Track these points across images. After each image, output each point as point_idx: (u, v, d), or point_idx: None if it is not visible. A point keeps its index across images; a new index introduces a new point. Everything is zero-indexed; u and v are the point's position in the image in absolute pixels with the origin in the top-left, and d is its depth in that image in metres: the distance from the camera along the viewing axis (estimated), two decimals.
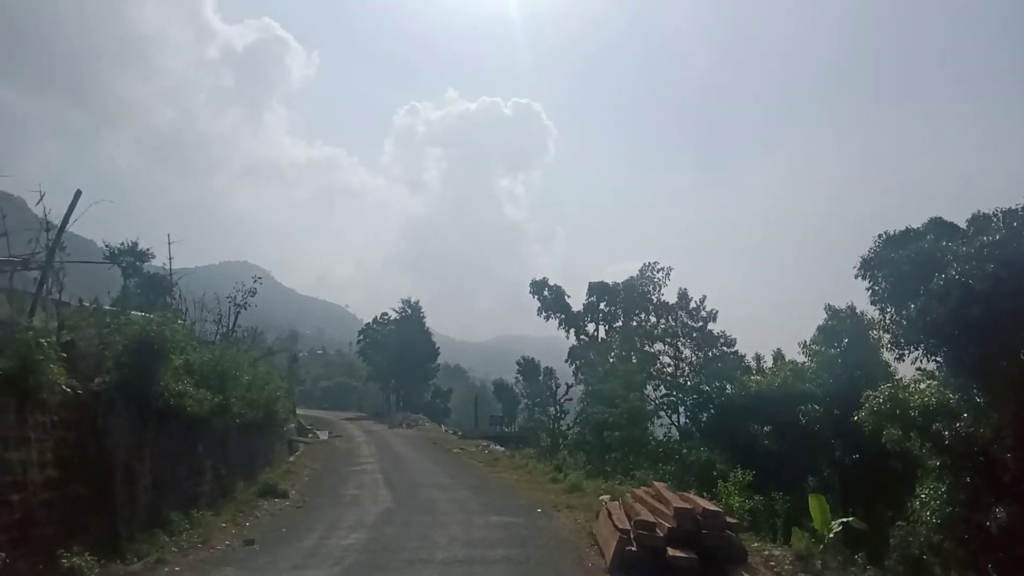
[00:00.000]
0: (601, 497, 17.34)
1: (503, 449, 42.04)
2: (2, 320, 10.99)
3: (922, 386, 19.59)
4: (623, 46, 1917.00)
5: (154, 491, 13.72)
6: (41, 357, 10.10)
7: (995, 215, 18.21)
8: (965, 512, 16.73)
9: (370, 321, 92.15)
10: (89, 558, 10.23)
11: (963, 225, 19.83)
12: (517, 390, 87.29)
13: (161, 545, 12.65)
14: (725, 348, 54.61)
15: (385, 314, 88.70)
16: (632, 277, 65.67)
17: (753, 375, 47.51)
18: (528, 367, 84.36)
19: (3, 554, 8.81)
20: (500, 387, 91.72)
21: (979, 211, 19.14)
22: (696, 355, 55.16)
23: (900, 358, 20.31)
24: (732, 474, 23.29)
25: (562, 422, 68.71)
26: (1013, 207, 17.48)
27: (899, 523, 20.79)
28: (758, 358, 53.56)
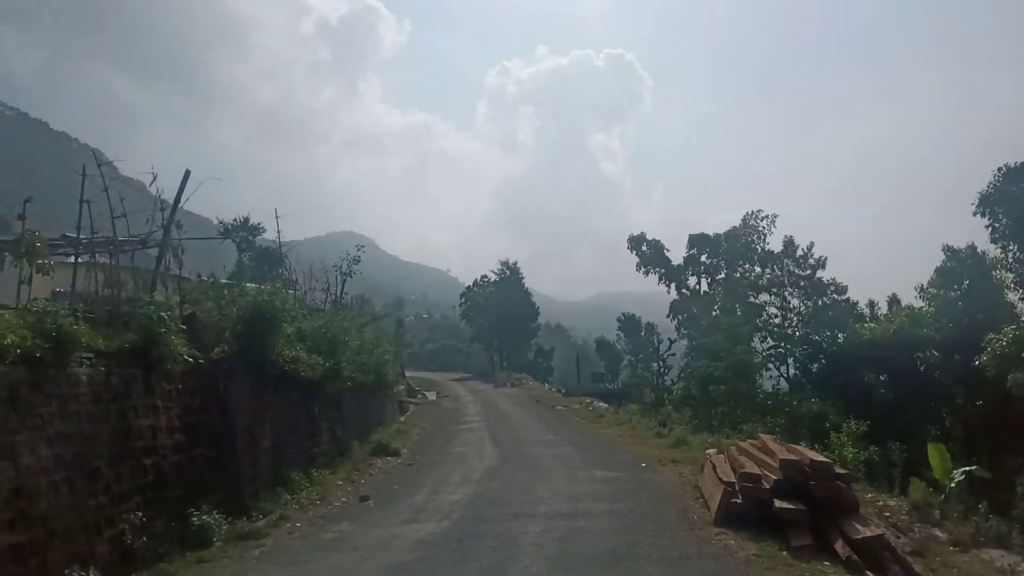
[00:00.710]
0: (707, 451, 17.16)
1: (606, 406, 42.10)
2: (127, 297, 11.77)
3: None
4: None
5: (274, 452, 14.54)
6: (163, 330, 10.77)
7: None
8: None
9: (470, 284, 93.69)
10: (217, 516, 10.97)
11: None
12: (619, 347, 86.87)
13: (283, 503, 13.43)
14: (836, 296, 52.62)
15: (485, 276, 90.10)
16: (735, 227, 63.89)
17: (867, 323, 45.78)
18: (629, 323, 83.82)
19: (140, 513, 9.55)
20: (602, 344, 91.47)
21: None
22: (805, 304, 53.39)
23: None
24: (845, 425, 22.65)
25: (666, 377, 68.24)
26: None
27: None
28: (871, 305, 51.54)
